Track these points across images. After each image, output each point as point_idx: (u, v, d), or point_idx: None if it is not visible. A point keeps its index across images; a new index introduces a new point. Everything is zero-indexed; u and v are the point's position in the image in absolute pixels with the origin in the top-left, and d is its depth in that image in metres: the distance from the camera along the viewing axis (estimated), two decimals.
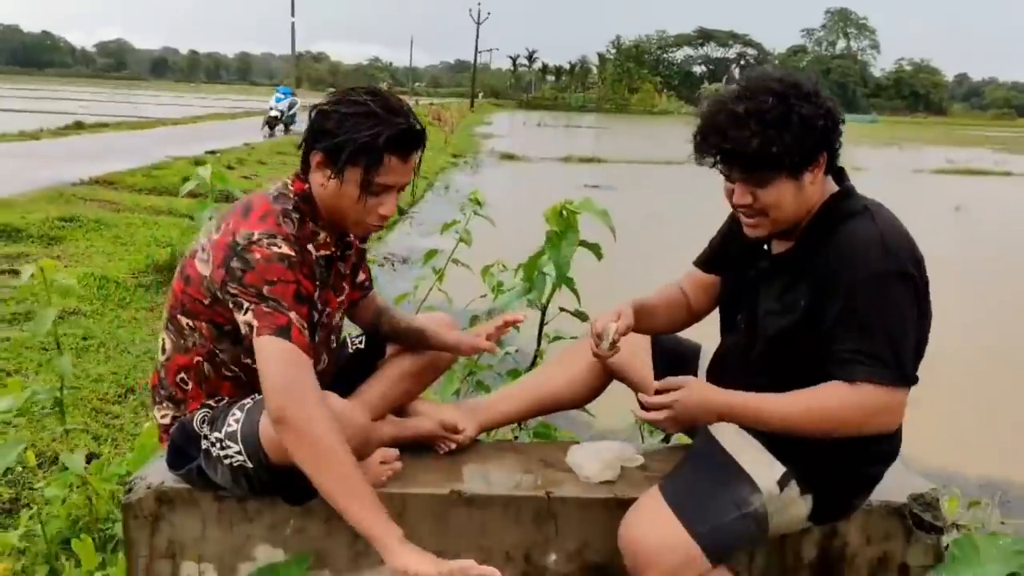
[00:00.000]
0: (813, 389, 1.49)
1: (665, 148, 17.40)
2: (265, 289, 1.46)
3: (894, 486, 1.79)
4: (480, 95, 77.70)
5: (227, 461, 1.56)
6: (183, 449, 1.64)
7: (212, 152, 12.40)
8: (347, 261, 1.75)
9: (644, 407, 1.56)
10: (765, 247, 1.64)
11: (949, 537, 1.91)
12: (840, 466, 1.59)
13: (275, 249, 1.48)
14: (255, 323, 1.45)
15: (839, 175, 1.60)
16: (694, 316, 1.90)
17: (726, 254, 1.78)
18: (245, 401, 1.59)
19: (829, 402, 1.47)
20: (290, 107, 18.86)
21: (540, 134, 31.92)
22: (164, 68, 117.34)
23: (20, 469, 3.02)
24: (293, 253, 1.49)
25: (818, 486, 1.60)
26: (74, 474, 2.71)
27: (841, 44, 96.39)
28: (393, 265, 8.30)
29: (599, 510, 1.75)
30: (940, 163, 25.33)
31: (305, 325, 1.49)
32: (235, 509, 1.71)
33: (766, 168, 1.47)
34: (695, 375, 1.81)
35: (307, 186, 1.60)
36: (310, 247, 1.59)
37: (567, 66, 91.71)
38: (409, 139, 1.54)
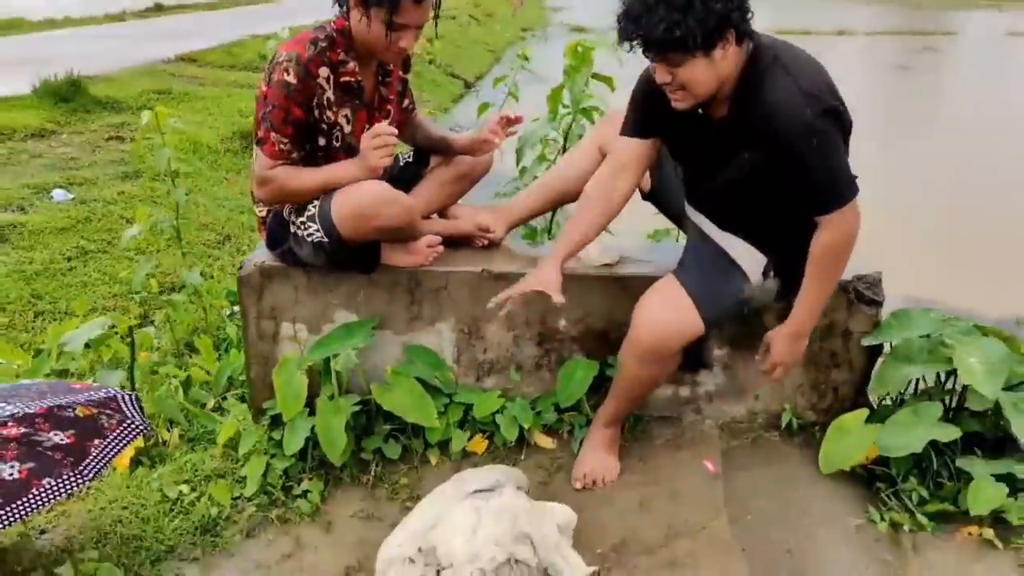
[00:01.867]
0: (811, 255, 1.81)
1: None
2: (269, 109, 1.97)
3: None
4: None
5: (310, 239, 2.07)
6: (277, 234, 2.15)
7: (288, 29, 12.72)
8: (389, 87, 2.18)
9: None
10: (700, 112, 1.82)
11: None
12: (802, 253, 1.88)
13: (283, 76, 1.94)
14: (258, 131, 2.01)
15: (752, 34, 1.75)
16: (627, 197, 2.05)
17: (660, 118, 1.90)
18: None
19: (831, 249, 1.80)
20: None
21: (613, 4, 30.67)
22: None
23: (146, 293, 3.65)
24: (295, 81, 1.94)
25: (786, 271, 1.97)
26: (191, 291, 3.34)
27: None
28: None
29: (597, 284, 2.22)
30: None
31: (284, 143, 1.98)
32: (319, 281, 2.23)
33: (677, 49, 1.65)
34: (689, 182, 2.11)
35: (347, 23, 2.01)
36: (324, 73, 1.98)
37: None
38: None
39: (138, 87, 7.45)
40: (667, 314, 1.93)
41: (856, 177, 1.80)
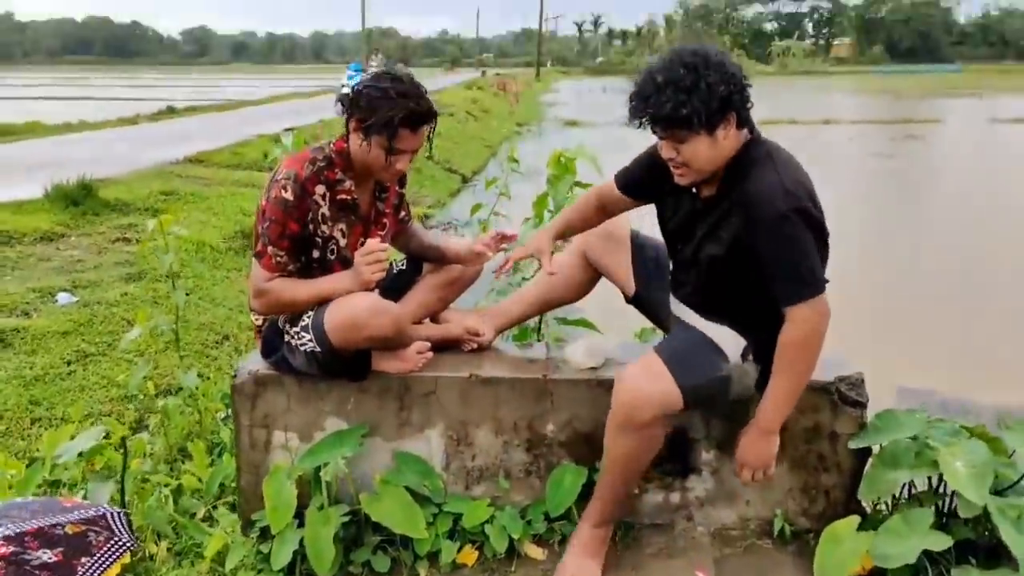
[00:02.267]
0: (777, 352, 1.87)
1: None
2: (266, 225, 2.06)
3: (826, 368, 2.20)
4: (549, 63, 77.19)
5: (302, 348, 2.12)
6: (272, 342, 2.21)
7: (289, 129, 13.15)
8: (386, 202, 2.29)
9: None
10: (694, 190, 1.99)
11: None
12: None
13: (281, 193, 2.04)
14: (256, 245, 2.11)
15: (751, 125, 1.93)
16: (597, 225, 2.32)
17: (654, 187, 2.08)
18: None
19: (794, 343, 1.85)
20: None
21: (605, 100, 31.82)
22: (244, 51, 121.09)
23: (142, 396, 3.68)
24: (292, 198, 2.04)
25: (765, 360, 1.99)
26: (188, 394, 3.37)
27: None
28: (456, 229, 8.88)
29: (584, 389, 2.25)
30: (1021, 112, 24.22)
31: (280, 256, 2.07)
32: (311, 389, 2.27)
33: (682, 127, 1.79)
34: (668, 273, 2.20)
35: (346, 144, 2.13)
36: (320, 190, 2.09)
37: (634, 30, 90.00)
38: (417, 117, 2.06)
39: (146, 189, 7.67)
40: (643, 380, 1.95)
41: (826, 281, 1.87)
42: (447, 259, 2.41)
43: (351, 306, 2.06)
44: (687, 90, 1.75)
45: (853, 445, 2.19)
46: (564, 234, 2.32)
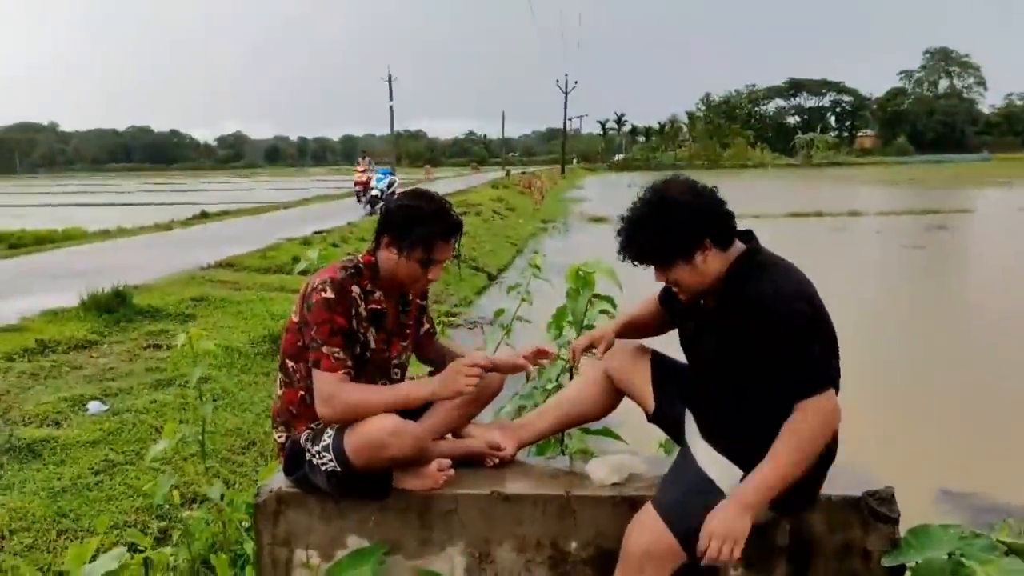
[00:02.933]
0: (781, 436, 1.88)
1: (749, 201, 17.53)
2: (314, 331, 2.11)
3: (854, 483, 2.19)
4: (575, 160, 79.05)
5: (324, 468, 2.14)
6: (294, 460, 2.23)
7: (318, 232, 13.58)
8: (409, 314, 2.35)
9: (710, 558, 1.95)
10: (701, 302, 2.08)
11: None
12: None
13: (323, 295, 2.11)
14: (311, 356, 2.14)
15: (747, 238, 2.05)
16: (657, 329, 2.40)
17: (674, 304, 2.21)
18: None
19: (799, 432, 1.87)
20: (389, 186, 20.02)
21: (630, 196, 32.30)
22: (276, 155, 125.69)
23: (167, 506, 3.68)
24: (333, 295, 2.11)
25: None
26: (212, 505, 3.37)
27: (944, 83, 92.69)
28: (482, 328, 8.93)
29: (608, 506, 2.22)
30: None
31: (337, 352, 2.10)
32: (332, 507, 2.27)
33: (657, 261, 1.99)
34: (687, 390, 2.24)
35: (374, 259, 2.23)
36: (358, 293, 2.17)
37: (656, 126, 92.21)
38: (451, 231, 2.20)
39: (178, 295, 7.87)
40: (641, 538, 1.98)
41: (837, 375, 1.91)
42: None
43: (373, 427, 2.08)
44: (658, 232, 1.94)
45: (887, 563, 2.13)
46: (625, 332, 2.37)
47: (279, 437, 2.29)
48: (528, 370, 2.38)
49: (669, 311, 2.28)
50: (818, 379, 1.88)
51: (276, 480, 2.34)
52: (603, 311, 2.87)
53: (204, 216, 18.16)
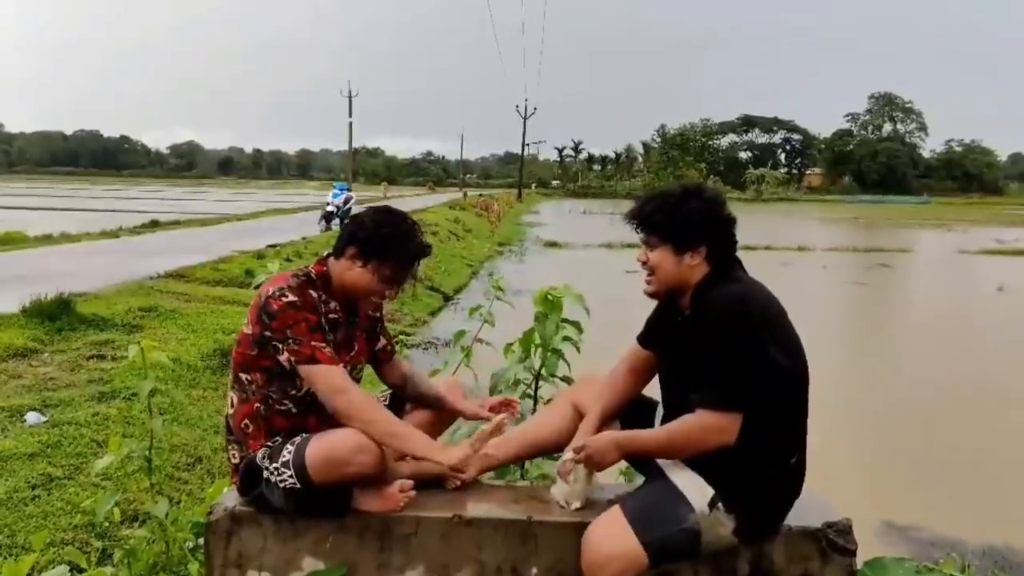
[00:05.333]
0: (674, 421, 2.00)
1: None
2: (288, 332, 2.06)
3: (814, 514, 2.21)
4: (533, 186, 79.57)
5: (282, 485, 2.08)
6: (249, 479, 2.16)
7: (272, 246, 13.37)
8: (357, 325, 2.31)
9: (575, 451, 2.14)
10: (679, 318, 2.12)
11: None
12: (755, 493, 2.02)
13: (284, 299, 2.07)
14: (291, 358, 2.07)
15: (735, 265, 2.09)
16: (638, 390, 2.36)
17: (658, 331, 2.23)
18: (296, 439, 2.12)
19: (680, 428, 1.98)
20: (345, 202, 19.86)
21: (584, 222, 32.71)
22: (230, 166, 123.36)
23: (107, 524, 3.54)
24: (296, 299, 2.09)
25: (739, 508, 2.01)
26: (156, 523, 3.25)
27: (888, 127, 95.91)
28: (436, 349, 8.88)
29: (569, 531, 2.19)
30: (988, 244, 25.18)
31: (324, 347, 2.07)
32: (288, 527, 2.20)
33: (653, 233, 2.05)
34: (653, 426, 2.26)
35: (325, 268, 2.19)
36: (317, 299, 2.14)
37: (612, 155, 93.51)
38: (421, 253, 2.20)
39: (125, 305, 7.64)
40: (605, 541, 1.97)
41: (748, 404, 1.93)
42: (448, 410, 2.44)
43: (335, 441, 2.04)
44: (669, 206, 2.04)
45: None
46: (606, 417, 2.30)
47: (232, 457, 2.22)
48: (492, 420, 2.30)
49: (649, 340, 2.28)
50: (724, 396, 1.93)
51: (229, 498, 2.27)
52: (567, 338, 2.85)
53: (154, 225, 17.73)
